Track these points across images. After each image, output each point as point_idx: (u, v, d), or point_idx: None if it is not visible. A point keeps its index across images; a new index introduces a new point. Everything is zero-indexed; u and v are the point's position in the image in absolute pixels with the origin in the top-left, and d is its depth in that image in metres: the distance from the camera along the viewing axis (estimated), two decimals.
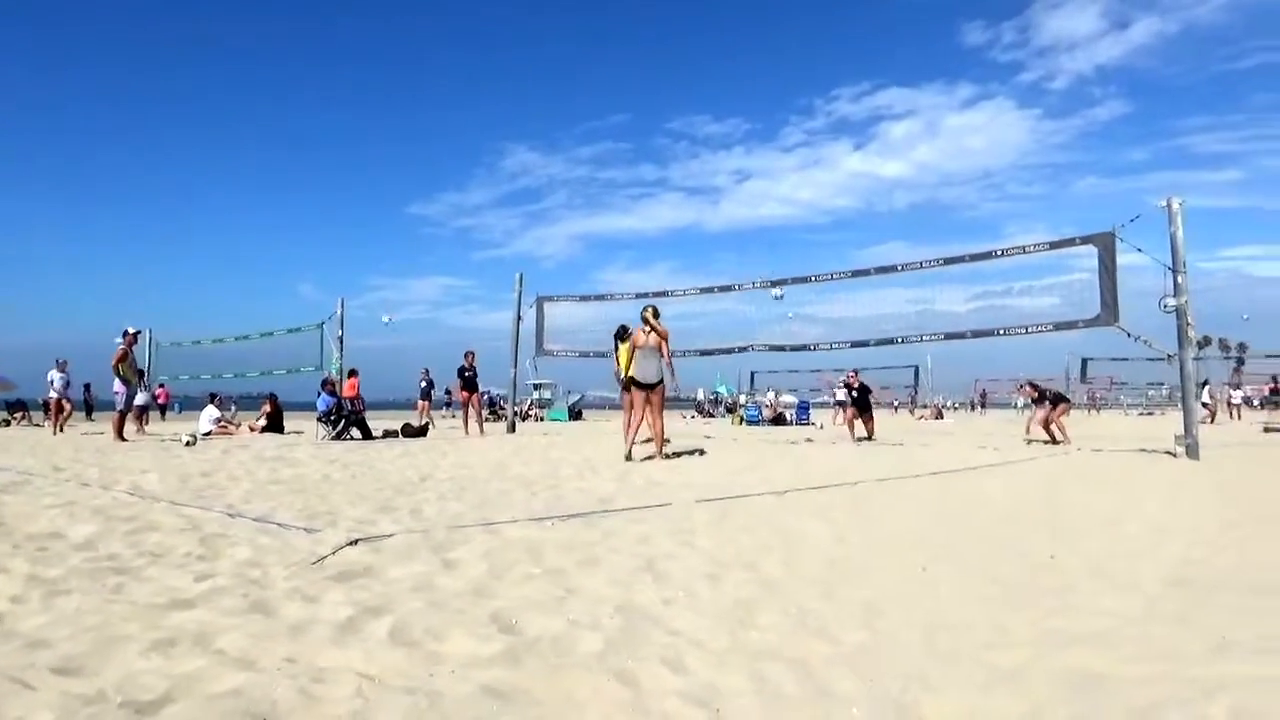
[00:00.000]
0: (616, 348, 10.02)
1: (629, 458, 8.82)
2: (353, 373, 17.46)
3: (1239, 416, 29.45)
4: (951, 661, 2.50)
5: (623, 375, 9.40)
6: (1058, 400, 14.34)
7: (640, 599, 3.15)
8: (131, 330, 13.85)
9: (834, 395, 29.21)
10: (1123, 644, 2.66)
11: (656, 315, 9.22)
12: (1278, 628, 2.83)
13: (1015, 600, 3.21)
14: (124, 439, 12.85)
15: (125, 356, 13.38)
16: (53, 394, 18.03)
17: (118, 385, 13.18)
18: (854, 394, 16.01)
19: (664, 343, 9.20)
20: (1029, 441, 13.58)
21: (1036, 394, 14.60)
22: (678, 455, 9.65)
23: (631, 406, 9.42)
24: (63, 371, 18.25)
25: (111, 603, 2.98)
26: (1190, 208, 10.01)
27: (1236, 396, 32.06)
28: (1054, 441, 13.23)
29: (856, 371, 16.59)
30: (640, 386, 9.12)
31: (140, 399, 16.08)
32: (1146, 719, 2.07)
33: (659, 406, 9.14)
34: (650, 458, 8.96)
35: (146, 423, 17.98)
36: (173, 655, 2.41)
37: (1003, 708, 2.15)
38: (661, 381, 9.15)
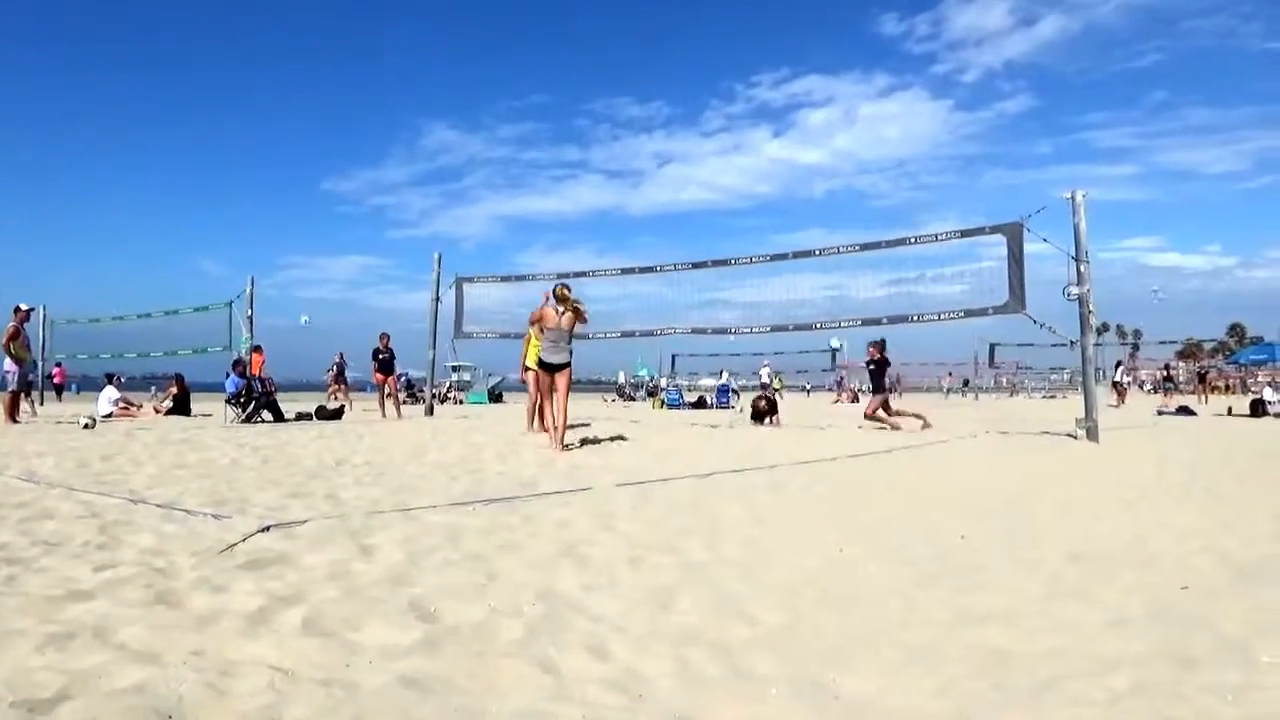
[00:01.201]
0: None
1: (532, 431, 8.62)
2: (257, 349, 16.80)
3: (1123, 402, 30.90)
4: (867, 641, 2.56)
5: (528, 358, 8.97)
6: (885, 387, 13.55)
7: (562, 585, 3.14)
8: (24, 306, 13.15)
9: (758, 377, 30.00)
10: (1028, 620, 2.77)
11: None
12: (1172, 601, 2.99)
13: (927, 579, 3.31)
14: (16, 421, 12.26)
15: (17, 334, 12.73)
16: None
17: (9, 364, 12.55)
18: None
19: (580, 320, 8.78)
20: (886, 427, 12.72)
21: (880, 355, 13.18)
22: (597, 441, 9.62)
23: (539, 389, 9.11)
24: None
25: (2, 595, 2.82)
26: (1090, 200, 10.45)
27: (1125, 381, 33.58)
28: (893, 428, 12.58)
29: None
30: (550, 368, 8.78)
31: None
32: (1050, 692, 2.16)
33: (565, 390, 8.79)
34: (568, 446, 8.75)
35: (40, 403, 17.06)
36: (69, 650, 2.29)
37: (915, 684, 2.22)
38: (569, 364, 8.78)
